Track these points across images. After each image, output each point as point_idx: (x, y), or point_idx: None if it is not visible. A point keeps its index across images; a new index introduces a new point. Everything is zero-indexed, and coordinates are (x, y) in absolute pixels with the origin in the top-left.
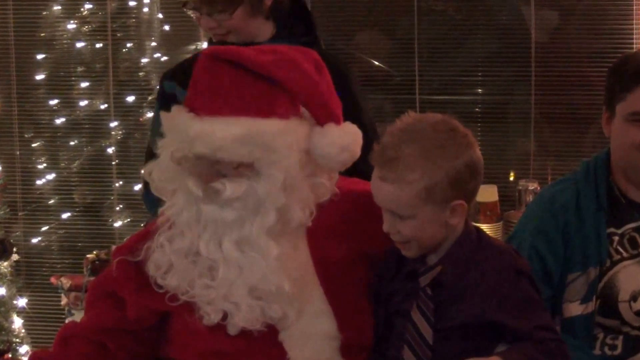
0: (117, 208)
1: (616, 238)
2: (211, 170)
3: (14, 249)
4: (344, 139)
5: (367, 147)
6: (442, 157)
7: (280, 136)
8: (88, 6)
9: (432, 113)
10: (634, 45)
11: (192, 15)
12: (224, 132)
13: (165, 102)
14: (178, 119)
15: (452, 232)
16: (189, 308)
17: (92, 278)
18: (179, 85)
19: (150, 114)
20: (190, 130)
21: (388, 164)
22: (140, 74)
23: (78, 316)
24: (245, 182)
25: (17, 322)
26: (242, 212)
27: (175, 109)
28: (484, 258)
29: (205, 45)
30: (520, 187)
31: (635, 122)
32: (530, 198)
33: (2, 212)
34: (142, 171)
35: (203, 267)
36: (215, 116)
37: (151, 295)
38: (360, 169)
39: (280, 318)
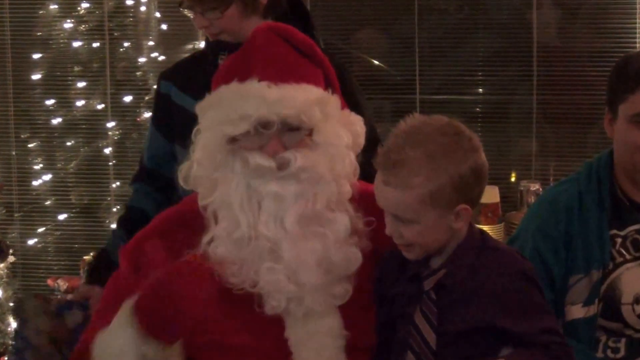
0: (114, 209)
1: (619, 240)
2: (274, 142)
3: (10, 251)
4: (360, 123)
5: (369, 147)
6: (447, 162)
7: (335, 107)
8: (85, 5)
9: (438, 115)
10: (637, 44)
11: (188, 14)
12: (303, 96)
13: (160, 102)
14: (247, 89)
15: (456, 235)
16: None
17: None
18: (175, 85)
19: (148, 114)
20: (270, 95)
21: (392, 168)
22: (138, 73)
23: None
24: (310, 152)
25: (14, 325)
26: (304, 185)
27: (230, 85)
28: (488, 261)
29: (202, 44)
30: (522, 188)
31: (634, 124)
32: (532, 199)
33: None
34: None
35: (264, 250)
36: (288, 83)
37: None
38: (363, 169)
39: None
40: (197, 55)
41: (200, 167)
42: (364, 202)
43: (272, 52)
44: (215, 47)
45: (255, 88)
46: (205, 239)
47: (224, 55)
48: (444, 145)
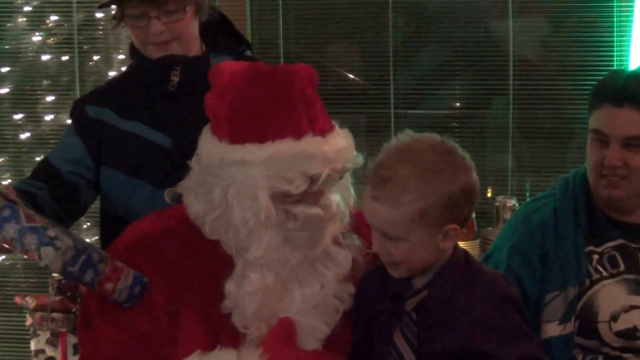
0: (85, 226)
1: (595, 257)
2: (319, 192)
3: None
4: None
5: None
6: (438, 180)
7: None
8: (54, 18)
9: (430, 133)
10: (614, 59)
11: (129, 27)
12: (348, 143)
13: (85, 129)
14: (310, 148)
15: (442, 256)
16: (196, 307)
17: (58, 298)
18: (114, 111)
19: None
20: (329, 152)
21: (382, 184)
22: None
23: (43, 337)
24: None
25: None
26: (321, 228)
27: (285, 142)
28: (471, 285)
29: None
30: (498, 204)
31: (594, 141)
32: (508, 215)
33: None
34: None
35: (272, 298)
36: (331, 132)
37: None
38: None
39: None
40: (129, 77)
41: (245, 225)
42: (357, 224)
43: (313, 100)
44: (168, 62)
45: (315, 146)
46: (233, 288)
47: (177, 70)
48: (436, 163)
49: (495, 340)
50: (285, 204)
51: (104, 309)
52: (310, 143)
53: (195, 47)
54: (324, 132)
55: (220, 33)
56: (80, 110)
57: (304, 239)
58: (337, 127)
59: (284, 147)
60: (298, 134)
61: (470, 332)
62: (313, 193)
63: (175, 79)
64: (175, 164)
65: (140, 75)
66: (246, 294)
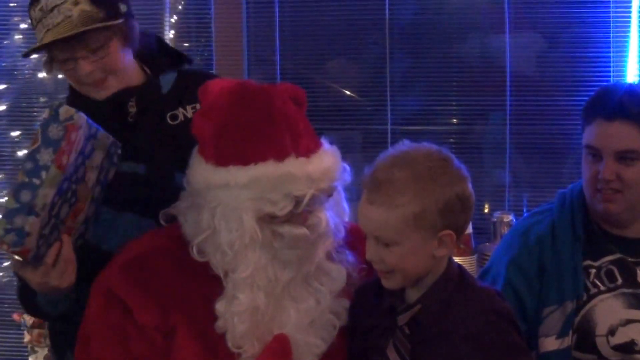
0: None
1: (593, 271)
2: (306, 211)
3: None
4: None
5: None
6: (434, 184)
7: None
8: None
9: (428, 143)
10: (611, 75)
11: (59, 71)
12: (335, 161)
13: None
14: (293, 170)
15: (436, 266)
16: (190, 326)
17: None
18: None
19: None
20: (314, 172)
21: (377, 187)
22: None
23: (41, 354)
24: (326, 205)
25: None
26: (314, 244)
27: (268, 165)
28: (465, 299)
29: None
30: (495, 219)
31: (588, 156)
32: (505, 230)
33: None
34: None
35: (265, 318)
36: (316, 152)
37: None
38: None
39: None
40: None
41: (231, 247)
42: (352, 238)
43: (296, 119)
44: (122, 97)
45: (299, 167)
46: (222, 308)
47: (132, 101)
48: (431, 168)
49: (489, 356)
50: (272, 225)
51: (100, 331)
52: (293, 164)
53: (135, 76)
54: (308, 152)
55: (158, 54)
56: None
57: (294, 257)
58: (324, 145)
59: (267, 169)
60: (280, 156)
61: (464, 348)
62: (300, 213)
63: (132, 109)
64: (153, 187)
65: (91, 114)
66: (235, 314)
